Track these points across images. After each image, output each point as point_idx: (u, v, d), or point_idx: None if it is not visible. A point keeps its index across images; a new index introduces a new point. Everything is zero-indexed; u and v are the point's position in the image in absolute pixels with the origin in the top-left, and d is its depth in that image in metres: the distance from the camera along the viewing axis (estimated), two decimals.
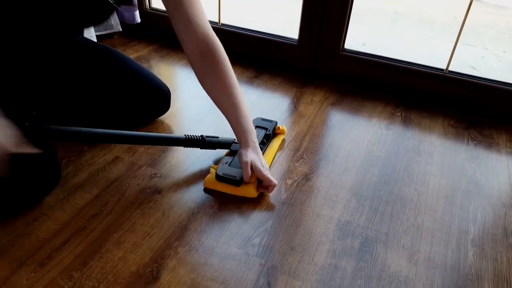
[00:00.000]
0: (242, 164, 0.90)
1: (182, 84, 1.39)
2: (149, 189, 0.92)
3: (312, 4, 1.36)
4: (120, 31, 1.61)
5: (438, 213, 0.91)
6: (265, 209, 0.89)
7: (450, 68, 1.31)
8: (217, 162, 1.02)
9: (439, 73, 1.31)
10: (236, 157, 0.98)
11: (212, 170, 0.97)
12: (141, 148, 1.05)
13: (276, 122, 1.12)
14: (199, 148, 1.00)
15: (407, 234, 0.85)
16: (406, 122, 1.24)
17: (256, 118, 1.13)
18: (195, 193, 0.92)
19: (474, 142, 1.17)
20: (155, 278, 0.72)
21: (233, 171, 0.94)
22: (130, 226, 0.82)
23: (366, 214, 0.89)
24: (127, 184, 0.93)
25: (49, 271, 0.72)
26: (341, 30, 1.37)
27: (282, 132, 1.12)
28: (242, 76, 1.44)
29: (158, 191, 0.92)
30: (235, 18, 2.09)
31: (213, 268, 0.75)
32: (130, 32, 1.67)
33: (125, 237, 0.80)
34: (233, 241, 0.80)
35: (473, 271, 0.78)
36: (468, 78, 1.29)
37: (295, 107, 1.28)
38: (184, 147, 1.00)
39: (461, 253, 0.82)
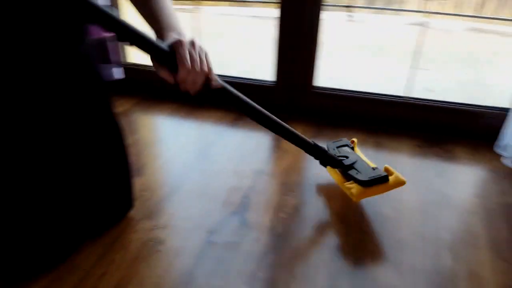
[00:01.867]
0: (174, 44, 0.72)
1: (168, 134, 1.44)
2: (151, 241, 0.95)
3: (286, 46, 1.46)
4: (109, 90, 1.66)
5: (415, 226, 0.99)
6: (264, 244, 0.94)
7: (409, 93, 1.43)
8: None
9: (399, 100, 1.43)
10: (358, 166, 1.04)
11: (351, 185, 0.99)
12: (137, 202, 1.08)
13: (346, 139, 1.21)
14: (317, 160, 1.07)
15: (391, 248, 0.92)
16: (378, 146, 1.34)
17: (328, 143, 1.20)
18: (196, 239, 0.96)
19: (439, 158, 1.28)
20: None
21: (373, 173, 0.98)
22: (139, 280, 0.85)
23: (354, 235, 0.96)
24: (129, 239, 0.96)
25: None
26: (312, 69, 1.47)
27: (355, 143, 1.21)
28: (225, 119, 1.51)
29: (160, 241, 0.95)
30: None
31: None
32: (111, 89, 1.73)
33: None
34: (239, 279, 0.84)
35: (451, 274, 0.86)
36: (425, 102, 1.42)
37: (277, 144, 1.36)
38: (307, 153, 1.05)
39: (437, 258, 0.89)
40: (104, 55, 1.60)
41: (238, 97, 0.89)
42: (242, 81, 1.59)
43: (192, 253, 0.91)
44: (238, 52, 2.66)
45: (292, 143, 1.04)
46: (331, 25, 3.10)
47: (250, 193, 1.11)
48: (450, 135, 1.41)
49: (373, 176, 0.97)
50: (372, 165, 1.07)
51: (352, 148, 1.17)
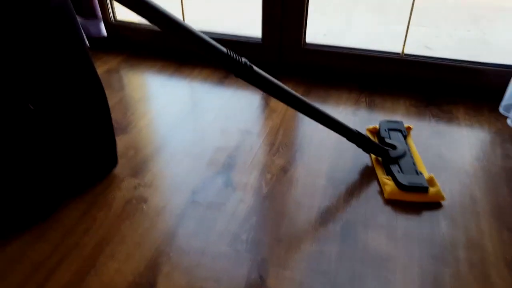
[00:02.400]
0: None
1: (155, 92, 1.38)
2: (134, 199, 0.92)
3: (271, 2, 1.37)
4: (88, 46, 1.57)
5: None
6: (248, 205, 0.90)
7: (406, 51, 1.35)
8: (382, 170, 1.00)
9: (396, 57, 1.35)
10: (403, 162, 0.97)
11: (387, 181, 0.94)
12: (122, 160, 1.04)
13: (403, 122, 1.13)
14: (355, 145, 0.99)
15: (383, 212, 0.89)
16: (371, 106, 1.28)
17: (382, 121, 1.13)
18: (180, 199, 0.93)
19: (435, 118, 1.22)
20: (152, 285, 0.73)
21: (415, 179, 0.92)
22: (121, 238, 0.82)
23: (343, 198, 0.92)
24: (112, 197, 0.93)
25: None
26: (301, 25, 1.38)
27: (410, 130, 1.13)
28: (212, 77, 1.44)
29: (143, 200, 0.92)
30: (198, 20, 2.07)
31: (205, 268, 0.76)
32: (97, 46, 1.64)
33: (117, 249, 0.80)
34: (221, 240, 0.82)
35: (447, 239, 0.83)
36: (423, 59, 1.34)
37: (266, 103, 1.30)
38: (347, 139, 0.98)
39: (434, 224, 0.86)
40: (90, 9, 1.50)
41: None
42: (229, 37, 1.51)
43: (174, 212, 0.88)
44: (225, 9, 2.54)
45: (327, 126, 0.94)
46: None
47: (236, 153, 1.07)
48: (450, 95, 1.35)
49: (414, 183, 0.91)
50: (420, 164, 1.00)
51: (405, 137, 1.08)
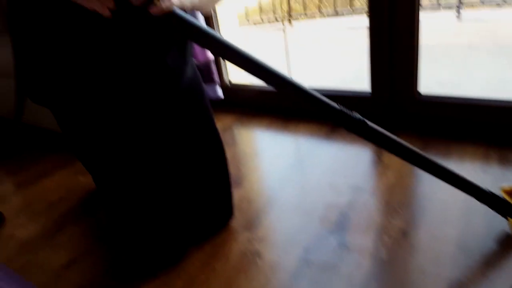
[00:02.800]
0: None
1: (265, 146, 1.43)
2: (250, 253, 0.94)
3: (379, 53, 1.35)
4: None
5: None
6: (366, 270, 0.84)
7: None
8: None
9: None
10: None
11: None
12: (237, 212, 1.08)
13: None
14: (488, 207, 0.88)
15: None
16: (504, 162, 1.13)
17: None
18: (292, 256, 0.91)
19: None
20: None
21: None
22: None
23: (480, 271, 0.80)
24: (230, 249, 0.96)
25: None
26: (413, 75, 1.32)
27: None
28: (319, 132, 1.45)
29: (258, 254, 0.93)
30: (304, 77, 2.14)
31: None
32: (213, 106, 1.79)
33: None
34: None
35: None
36: None
37: (378, 158, 1.24)
38: (478, 200, 0.87)
39: None
40: (209, 75, 1.67)
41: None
42: (336, 93, 1.51)
43: (288, 270, 0.87)
44: (333, 63, 2.58)
45: (452, 185, 0.83)
46: (436, 25, 2.80)
47: (349, 211, 1.02)
48: None
49: None
50: None
51: None
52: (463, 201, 0.99)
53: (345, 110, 0.75)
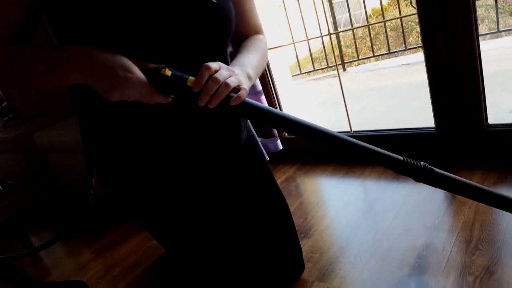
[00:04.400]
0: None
1: (330, 194, 1.47)
2: None
3: (440, 87, 1.37)
4: (268, 160, 1.84)
5: None
6: None
7: None
8: None
9: None
10: None
11: None
12: (308, 264, 1.12)
13: None
14: None
15: None
16: None
17: None
18: None
19: None
20: None
21: None
22: None
23: None
24: None
25: None
26: (479, 106, 1.32)
27: None
28: (386, 174, 1.47)
29: None
30: (364, 122, 2.18)
31: None
32: (275, 158, 1.90)
33: None
34: None
35: None
36: None
37: (452, 195, 1.23)
38: None
39: None
40: (269, 131, 1.80)
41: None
42: (399, 132, 1.54)
43: None
44: (393, 103, 2.60)
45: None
46: (499, 51, 2.73)
47: (427, 253, 1.02)
48: None
49: None
50: None
51: None
52: None
53: (410, 160, 0.79)
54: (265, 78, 1.80)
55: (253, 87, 1.72)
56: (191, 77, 0.67)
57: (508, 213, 1.07)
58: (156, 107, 0.71)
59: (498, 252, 0.95)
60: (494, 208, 1.11)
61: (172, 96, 0.69)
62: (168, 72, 0.66)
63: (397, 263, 1.02)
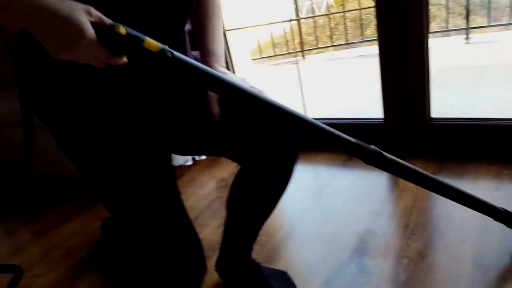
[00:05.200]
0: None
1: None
2: None
3: (390, 81, 1.44)
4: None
5: None
6: None
7: None
8: None
9: None
10: None
11: None
12: (257, 246, 1.14)
13: None
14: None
15: None
16: None
17: None
18: (315, 285, 0.96)
19: None
20: None
21: None
22: None
23: (495, 287, 0.84)
24: None
25: None
26: (424, 100, 1.40)
27: None
28: (336, 161, 1.52)
29: None
30: (319, 108, 2.23)
31: None
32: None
33: None
34: None
35: None
36: None
37: (394, 182, 1.30)
38: (493, 219, 0.93)
39: None
40: None
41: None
42: (350, 121, 1.60)
43: None
44: (346, 93, 2.68)
45: (467, 205, 0.90)
46: (446, 49, 2.88)
47: (368, 237, 1.08)
48: None
49: None
50: None
51: None
52: (479, 221, 1.04)
53: (361, 143, 0.82)
54: (225, 59, 1.78)
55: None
56: (148, 39, 0.64)
57: (442, 201, 1.15)
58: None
59: (431, 237, 1.03)
60: (431, 196, 1.19)
61: (126, 57, 0.66)
62: (123, 31, 0.62)
63: (340, 246, 1.07)
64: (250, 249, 0.98)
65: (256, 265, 0.99)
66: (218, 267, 1.01)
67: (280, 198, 0.94)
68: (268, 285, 0.95)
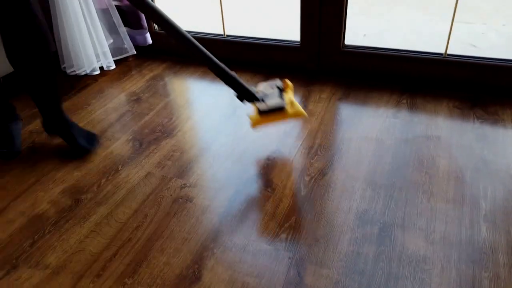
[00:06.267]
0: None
1: (197, 97, 1.46)
2: (181, 198, 1.01)
3: (309, 6, 1.41)
4: (135, 54, 1.69)
5: (449, 194, 0.96)
6: (287, 206, 0.95)
7: (449, 50, 1.34)
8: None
9: (439, 57, 1.35)
10: (269, 98, 1.10)
11: (252, 116, 1.10)
12: (169, 162, 1.13)
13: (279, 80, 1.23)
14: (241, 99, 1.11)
15: (421, 216, 0.91)
16: (412, 108, 1.29)
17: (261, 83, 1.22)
18: (223, 198, 0.99)
19: (480, 120, 1.21)
20: (198, 278, 0.80)
21: (273, 104, 1.07)
22: (169, 234, 0.91)
23: (382, 201, 0.95)
24: (161, 196, 1.02)
25: (105, 281, 0.81)
26: (340, 27, 1.41)
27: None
28: (252, 80, 1.51)
29: (189, 199, 1.00)
30: (237, 28, 2.14)
31: (247, 264, 0.82)
32: (144, 54, 1.76)
33: (166, 244, 0.88)
34: (262, 238, 0.88)
35: (487, 244, 0.83)
36: (467, 59, 1.33)
37: (304, 106, 1.34)
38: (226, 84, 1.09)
39: (475, 229, 0.87)
40: (138, 21, 1.61)
41: None
42: (266, 42, 1.56)
43: (218, 211, 0.96)
44: (266, 13, 2.59)
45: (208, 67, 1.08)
46: None
47: (275, 155, 1.12)
48: (496, 96, 1.33)
49: (271, 107, 1.06)
50: (292, 104, 1.10)
51: (281, 90, 1.15)
52: (375, 145, 1.13)
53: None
54: None
55: None
56: None
57: (345, 125, 1.23)
58: None
59: (332, 157, 1.10)
60: (336, 120, 1.25)
61: None
62: None
63: (249, 163, 1.10)
64: (55, 109, 1.19)
65: (67, 123, 1.20)
66: (44, 127, 1.22)
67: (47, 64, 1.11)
68: (73, 138, 1.19)
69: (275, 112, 1.07)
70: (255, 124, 1.10)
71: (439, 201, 0.94)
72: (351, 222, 0.90)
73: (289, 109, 1.07)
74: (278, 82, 1.16)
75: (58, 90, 1.18)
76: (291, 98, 1.11)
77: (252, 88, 1.11)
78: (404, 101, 1.33)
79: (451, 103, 1.30)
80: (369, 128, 1.20)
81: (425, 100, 1.32)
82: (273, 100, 1.08)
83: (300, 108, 1.08)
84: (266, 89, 1.15)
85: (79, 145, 1.19)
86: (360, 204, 0.95)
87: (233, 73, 1.08)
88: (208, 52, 1.05)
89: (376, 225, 0.89)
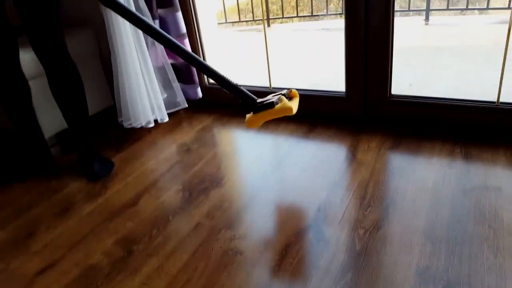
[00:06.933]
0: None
1: (244, 147, 1.47)
2: (231, 251, 0.98)
3: (354, 56, 1.42)
4: (186, 107, 1.76)
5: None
6: (342, 261, 0.90)
7: (502, 98, 1.28)
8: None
9: (491, 105, 1.29)
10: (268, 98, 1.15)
11: (247, 116, 1.15)
12: (218, 212, 1.12)
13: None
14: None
15: (489, 273, 0.82)
16: (468, 158, 1.22)
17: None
18: (274, 251, 0.96)
19: None
20: None
21: (263, 99, 1.12)
22: None
23: (443, 256, 0.88)
24: (211, 248, 1.00)
25: None
26: (386, 77, 1.40)
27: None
28: (297, 132, 1.50)
29: (239, 252, 0.97)
30: (283, 80, 2.19)
31: None
32: (194, 106, 1.82)
33: None
34: None
35: None
36: None
37: (353, 155, 1.31)
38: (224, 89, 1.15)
39: None
40: (190, 76, 1.70)
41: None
42: (313, 93, 1.57)
43: (268, 266, 0.91)
44: (310, 65, 2.65)
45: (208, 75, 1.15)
46: (406, 30, 2.93)
47: (326, 207, 1.08)
48: None
49: (260, 103, 1.10)
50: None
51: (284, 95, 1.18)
52: (431, 195, 1.07)
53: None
54: (191, 21, 1.67)
55: (176, 28, 1.59)
56: None
57: (397, 174, 1.18)
58: None
59: (387, 209, 1.04)
60: (387, 170, 1.21)
61: None
62: None
63: (299, 214, 1.07)
64: (84, 139, 1.32)
65: (92, 153, 1.33)
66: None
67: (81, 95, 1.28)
68: (90, 166, 1.31)
69: (265, 109, 1.10)
70: (249, 122, 1.15)
71: (508, 257, 0.85)
72: (412, 279, 0.83)
73: (278, 106, 1.10)
74: (284, 91, 1.21)
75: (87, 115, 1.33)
76: (284, 98, 1.14)
77: (252, 96, 1.16)
78: (458, 150, 1.26)
79: (509, 152, 1.22)
80: (423, 179, 1.14)
81: (480, 149, 1.25)
82: (264, 99, 1.12)
83: (287, 103, 1.10)
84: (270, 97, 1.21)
85: (93, 170, 1.29)
86: (420, 260, 0.87)
87: (235, 82, 1.15)
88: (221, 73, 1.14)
89: (440, 283, 0.81)
